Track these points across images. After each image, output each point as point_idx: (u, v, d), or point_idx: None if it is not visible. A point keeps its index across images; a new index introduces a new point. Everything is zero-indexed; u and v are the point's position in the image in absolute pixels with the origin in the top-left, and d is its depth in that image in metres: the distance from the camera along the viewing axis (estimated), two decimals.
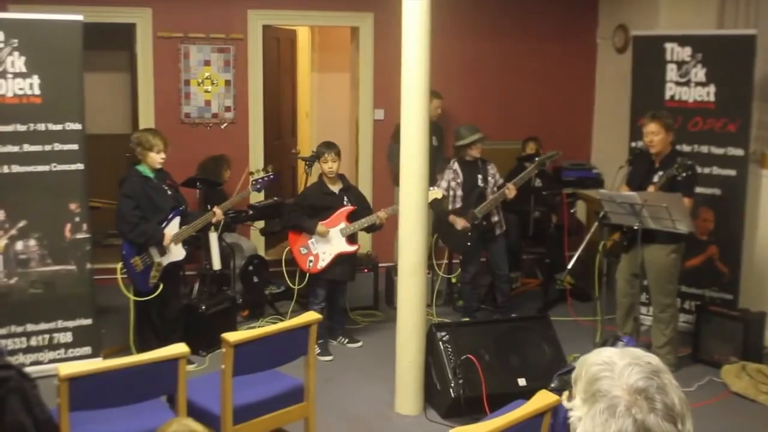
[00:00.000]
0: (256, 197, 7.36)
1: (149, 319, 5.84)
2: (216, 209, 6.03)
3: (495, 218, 6.65)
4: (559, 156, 7.04)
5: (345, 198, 6.28)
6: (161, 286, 5.74)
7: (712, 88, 6.39)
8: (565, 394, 1.72)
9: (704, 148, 6.44)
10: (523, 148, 7.93)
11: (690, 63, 6.48)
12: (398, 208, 6.43)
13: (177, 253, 5.84)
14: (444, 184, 6.64)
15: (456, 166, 6.66)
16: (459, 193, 6.63)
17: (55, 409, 3.36)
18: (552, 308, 7.07)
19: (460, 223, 6.55)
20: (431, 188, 5.62)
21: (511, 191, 6.47)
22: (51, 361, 5.49)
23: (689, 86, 6.51)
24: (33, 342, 5.62)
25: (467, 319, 6.71)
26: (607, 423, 1.63)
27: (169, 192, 5.83)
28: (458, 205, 6.62)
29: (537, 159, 6.83)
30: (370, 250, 7.95)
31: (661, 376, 1.68)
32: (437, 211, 6.63)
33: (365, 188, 8.16)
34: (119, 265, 5.73)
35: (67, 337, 5.72)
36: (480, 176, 6.61)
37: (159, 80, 7.76)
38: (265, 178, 6.44)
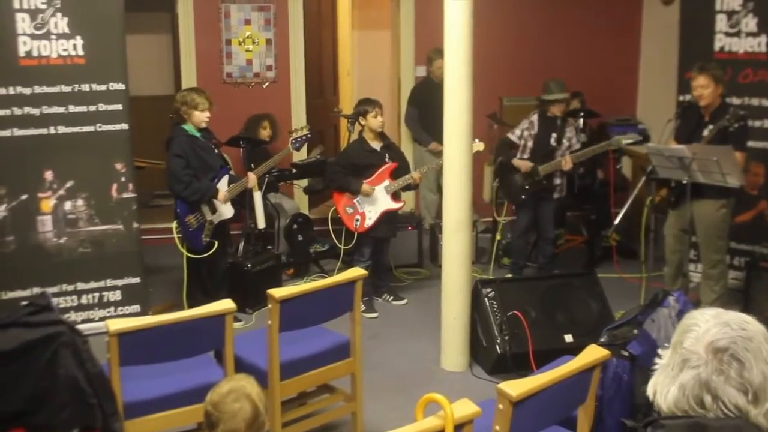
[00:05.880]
0: (299, 155, 7.37)
1: (198, 276, 5.90)
2: (250, 174, 6.04)
3: (557, 181, 6.55)
4: (638, 140, 6.76)
5: (386, 155, 6.25)
6: (216, 244, 5.79)
7: (763, 39, 6.21)
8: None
9: (755, 101, 6.28)
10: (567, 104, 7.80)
11: (741, 12, 6.30)
12: (432, 167, 6.47)
13: (227, 211, 5.88)
14: (518, 132, 6.57)
15: (534, 117, 6.55)
16: (530, 144, 6.53)
17: (105, 364, 3.41)
18: (598, 265, 7.00)
19: (525, 165, 6.48)
20: (474, 140, 5.55)
21: (567, 163, 6.38)
22: (101, 319, 5.57)
23: (740, 37, 6.33)
24: (84, 300, 5.73)
25: (512, 275, 6.67)
26: (677, 375, 1.66)
27: (215, 151, 5.86)
28: (526, 156, 6.54)
29: (614, 138, 6.63)
30: (413, 208, 7.95)
31: (750, 345, 1.64)
32: (502, 157, 6.59)
33: (407, 145, 8.12)
34: (174, 224, 5.77)
35: (116, 296, 5.81)
36: (554, 135, 6.47)
37: (200, 40, 7.77)
38: (303, 137, 6.49)
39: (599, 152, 6.54)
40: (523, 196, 6.53)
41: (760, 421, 1.65)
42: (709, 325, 1.70)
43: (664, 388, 1.71)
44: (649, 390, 1.75)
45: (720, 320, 1.70)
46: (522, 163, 6.51)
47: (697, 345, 1.68)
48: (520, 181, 6.51)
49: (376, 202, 6.17)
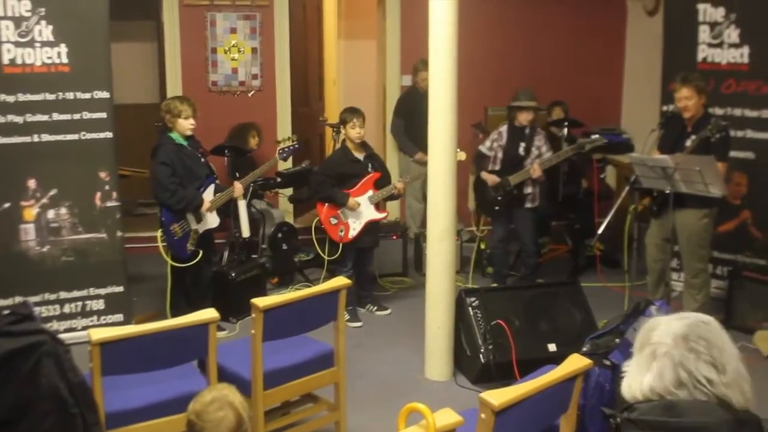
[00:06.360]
0: (284, 164, 7.37)
1: (183, 285, 5.88)
2: (236, 183, 6.03)
3: (528, 190, 6.52)
4: (603, 142, 6.81)
5: (370, 165, 6.26)
6: (201, 253, 5.78)
7: (746, 50, 6.26)
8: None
9: (737, 111, 6.33)
10: (548, 113, 7.83)
11: (723, 24, 6.35)
12: (416, 176, 6.51)
13: (212, 220, 5.87)
14: (488, 143, 6.62)
15: (503, 128, 6.59)
16: (499, 155, 6.57)
17: (88, 374, 3.39)
18: (581, 274, 7.03)
19: (491, 179, 6.51)
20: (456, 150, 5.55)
21: (535, 171, 6.38)
22: (84, 328, 5.52)
23: (722, 48, 6.38)
24: (66, 309, 5.70)
25: (496, 284, 6.69)
26: (649, 366, 1.91)
27: (202, 160, 5.86)
28: (497, 167, 6.57)
29: (578, 142, 6.68)
30: (398, 216, 7.95)
31: (710, 328, 1.91)
32: (475, 170, 6.63)
33: (392, 155, 8.13)
34: (159, 232, 5.76)
35: (99, 305, 5.78)
36: (523, 145, 6.49)
37: (186, 49, 7.76)
38: (290, 148, 6.51)
39: (564, 157, 6.54)
40: (497, 207, 6.56)
41: (725, 391, 1.89)
42: (670, 320, 1.95)
43: (638, 379, 1.93)
44: (624, 390, 1.95)
45: (678, 316, 1.96)
46: (489, 177, 6.55)
47: (665, 337, 1.91)
48: (492, 193, 6.53)
49: (360, 212, 6.17)
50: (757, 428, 1.91)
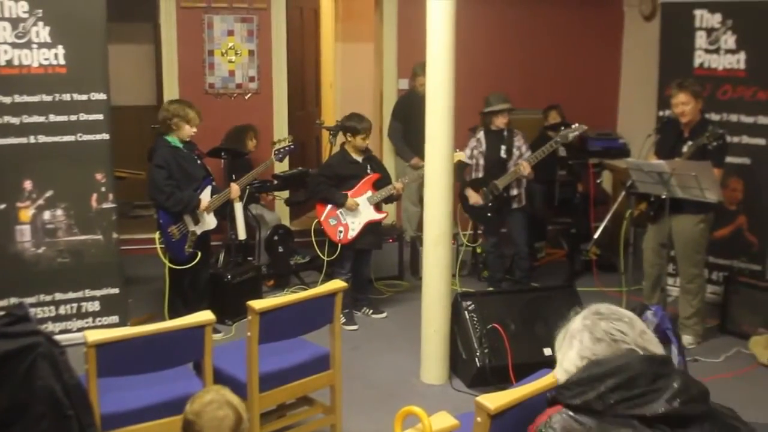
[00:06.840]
0: (281, 167, 7.36)
1: (180, 287, 5.87)
2: (233, 185, 6.03)
3: (514, 192, 6.52)
4: (584, 130, 6.79)
5: (368, 166, 6.26)
6: (199, 254, 5.78)
7: (742, 56, 6.28)
8: None
9: (733, 117, 6.34)
10: (545, 117, 7.84)
11: (720, 30, 6.37)
12: (414, 178, 6.50)
13: (209, 222, 5.88)
14: (468, 151, 6.60)
15: (481, 134, 6.60)
16: (481, 162, 6.57)
17: (83, 376, 3.39)
18: (578, 279, 7.03)
19: (472, 198, 6.51)
20: (456, 150, 5.53)
21: (525, 168, 6.35)
22: (79, 330, 5.53)
23: (719, 54, 6.40)
24: (61, 311, 5.69)
25: (492, 288, 6.69)
26: (571, 345, 2.16)
27: (198, 162, 5.86)
28: (480, 174, 6.57)
29: (560, 134, 6.68)
30: (394, 220, 7.95)
31: (609, 304, 2.20)
32: (458, 180, 6.62)
33: (389, 158, 8.13)
34: (157, 235, 5.76)
35: (94, 306, 5.77)
36: (503, 147, 6.50)
37: (183, 51, 7.76)
38: (286, 148, 6.51)
39: (549, 151, 6.47)
40: (489, 214, 6.55)
41: (641, 341, 2.11)
42: (577, 316, 2.21)
43: (564, 359, 2.17)
44: (558, 376, 2.19)
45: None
46: (471, 194, 6.55)
47: (575, 323, 2.18)
48: (482, 200, 6.52)
49: (359, 213, 6.17)
50: (674, 368, 2.12)
